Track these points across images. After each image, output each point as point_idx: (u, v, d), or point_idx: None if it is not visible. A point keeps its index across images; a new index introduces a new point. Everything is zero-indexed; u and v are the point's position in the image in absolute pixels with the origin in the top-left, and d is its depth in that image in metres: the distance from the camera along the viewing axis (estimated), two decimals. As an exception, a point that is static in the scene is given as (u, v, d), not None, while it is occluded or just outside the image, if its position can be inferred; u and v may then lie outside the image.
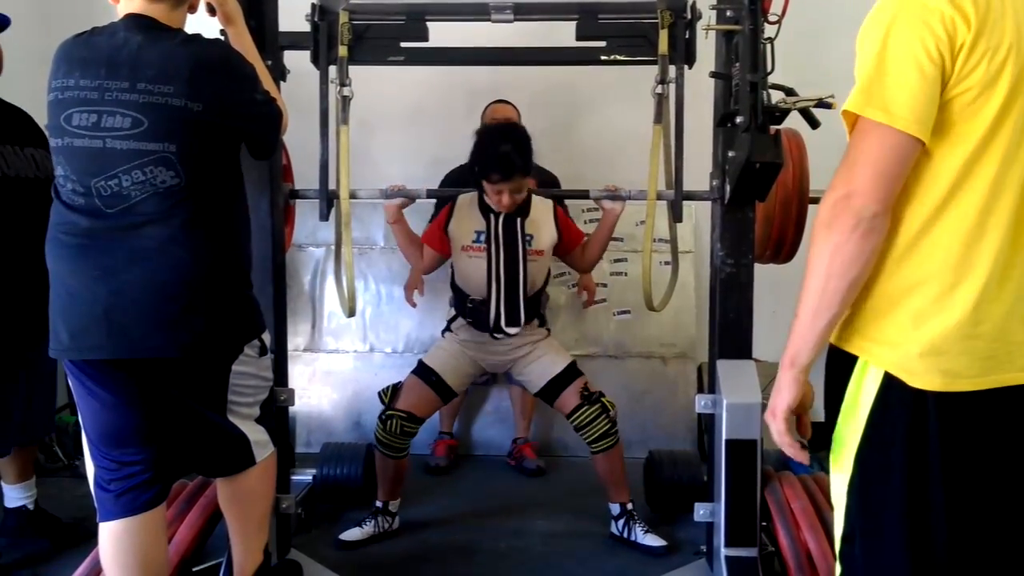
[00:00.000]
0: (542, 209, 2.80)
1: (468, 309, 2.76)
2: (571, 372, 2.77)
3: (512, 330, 2.67)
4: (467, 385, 2.93)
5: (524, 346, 2.81)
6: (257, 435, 1.97)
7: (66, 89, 1.69)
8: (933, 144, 1.21)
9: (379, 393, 2.80)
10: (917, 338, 1.24)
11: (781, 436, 1.34)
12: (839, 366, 1.34)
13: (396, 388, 2.78)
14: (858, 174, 1.20)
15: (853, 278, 1.23)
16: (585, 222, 3.57)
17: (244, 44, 1.96)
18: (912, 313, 1.25)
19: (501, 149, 2.56)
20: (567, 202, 3.29)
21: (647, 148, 2.51)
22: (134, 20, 1.74)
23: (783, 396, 1.33)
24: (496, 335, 2.70)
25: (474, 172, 2.65)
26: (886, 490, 1.28)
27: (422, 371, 2.79)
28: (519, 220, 2.69)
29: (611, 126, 3.92)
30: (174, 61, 1.68)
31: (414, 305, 3.57)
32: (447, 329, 2.91)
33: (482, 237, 2.70)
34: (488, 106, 3.59)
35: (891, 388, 1.26)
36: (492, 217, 2.68)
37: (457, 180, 3.38)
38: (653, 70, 2.46)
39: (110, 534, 1.78)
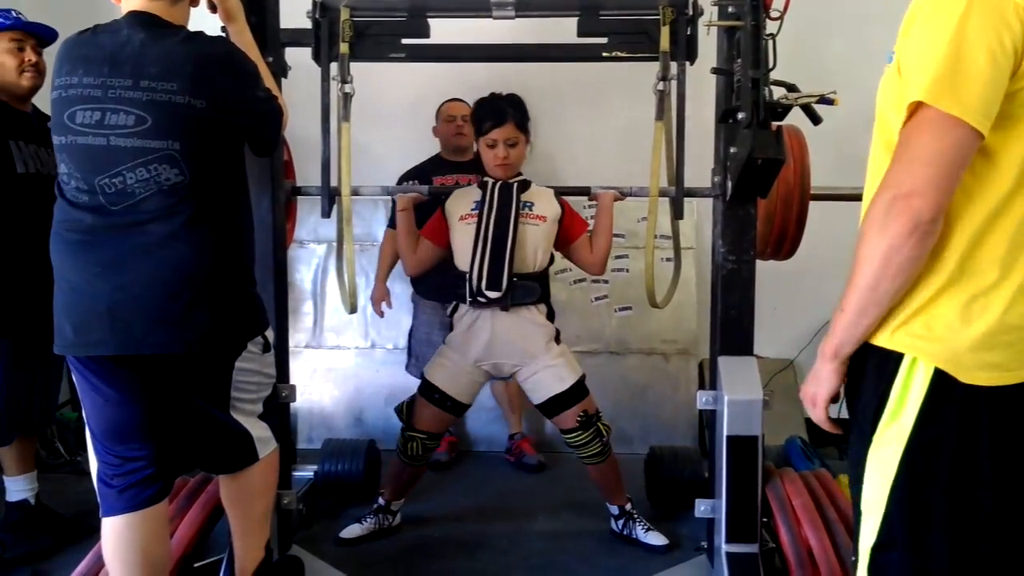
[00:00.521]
0: (542, 190, 2.73)
1: (466, 289, 2.61)
2: (575, 394, 2.64)
3: (492, 294, 2.53)
4: (475, 394, 2.81)
5: (530, 336, 2.64)
6: (260, 431, 1.97)
7: (69, 87, 1.69)
8: (994, 140, 1.18)
9: (395, 410, 2.80)
10: (968, 333, 1.22)
11: (823, 422, 1.40)
12: (876, 363, 1.31)
13: (411, 404, 2.75)
14: (919, 172, 1.17)
15: (904, 281, 1.23)
16: (588, 218, 3.57)
17: (245, 41, 1.96)
18: (960, 308, 1.23)
19: (496, 103, 2.65)
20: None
21: (649, 144, 2.51)
22: (136, 17, 1.74)
23: (825, 386, 1.36)
24: (479, 300, 2.56)
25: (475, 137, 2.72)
26: (936, 493, 1.25)
27: (426, 390, 2.71)
28: (515, 187, 2.64)
29: (613, 122, 3.92)
30: (177, 58, 1.68)
31: (382, 315, 3.59)
32: (450, 323, 2.78)
33: (478, 206, 2.64)
34: (443, 104, 3.62)
35: (941, 385, 1.23)
36: (489, 185, 2.65)
37: (413, 179, 3.42)
38: (655, 66, 2.46)
39: (113, 529, 1.79)
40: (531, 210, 2.66)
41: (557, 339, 2.71)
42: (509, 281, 2.54)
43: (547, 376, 2.65)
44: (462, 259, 2.65)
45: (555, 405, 2.65)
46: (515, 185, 2.65)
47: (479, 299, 2.57)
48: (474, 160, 3.57)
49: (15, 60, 2.51)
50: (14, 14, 2.55)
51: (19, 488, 2.72)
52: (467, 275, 2.59)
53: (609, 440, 2.70)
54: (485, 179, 2.71)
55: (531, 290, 2.63)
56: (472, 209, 2.65)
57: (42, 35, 2.58)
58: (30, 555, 2.63)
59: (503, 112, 2.61)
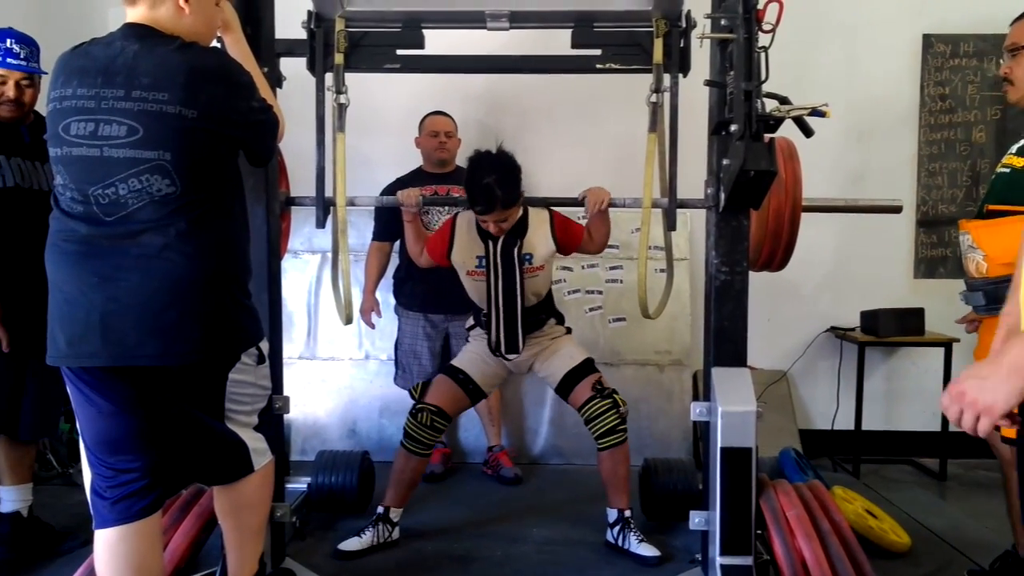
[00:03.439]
0: (538, 222, 2.80)
1: (483, 321, 2.85)
2: (587, 367, 2.84)
3: (512, 356, 2.79)
4: (496, 385, 3.03)
5: (543, 340, 2.89)
6: (255, 443, 1.96)
7: (64, 99, 1.69)
8: None
9: (409, 389, 2.94)
10: None
11: (987, 433, 1.22)
12: None
13: (426, 385, 2.89)
14: None
15: None
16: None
17: (241, 51, 1.97)
18: None
19: (484, 181, 2.58)
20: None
21: (642, 156, 2.51)
22: (132, 29, 1.74)
23: (1007, 400, 1.18)
24: (495, 355, 2.80)
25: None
26: None
27: (450, 370, 2.89)
28: (518, 242, 2.74)
29: (606, 134, 3.93)
30: (169, 68, 1.67)
31: (372, 326, 3.65)
32: (466, 338, 3.00)
33: (483, 262, 2.76)
34: (426, 117, 3.63)
35: None
36: (491, 243, 2.74)
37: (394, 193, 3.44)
38: (648, 78, 2.47)
39: (105, 541, 1.77)
40: (531, 263, 2.79)
41: (568, 333, 3.01)
42: (524, 339, 2.79)
43: (558, 359, 2.87)
44: (477, 300, 2.86)
45: (570, 380, 2.82)
46: (515, 242, 2.73)
47: (495, 355, 2.81)
48: (455, 172, 3.60)
49: None
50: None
51: (12, 499, 2.72)
52: (486, 326, 2.80)
53: (626, 419, 2.77)
54: (485, 226, 2.72)
55: (538, 323, 2.88)
56: (477, 266, 2.78)
57: (26, 72, 2.61)
58: (21, 566, 2.61)
59: (492, 199, 2.58)
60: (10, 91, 2.58)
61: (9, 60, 2.57)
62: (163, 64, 1.68)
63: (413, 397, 2.88)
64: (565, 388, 2.84)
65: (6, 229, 2.55)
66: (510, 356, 2.79)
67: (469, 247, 2.79)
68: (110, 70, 1.67)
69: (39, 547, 2.72)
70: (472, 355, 2.90)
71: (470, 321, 2.99)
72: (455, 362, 2.92)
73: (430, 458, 2.89)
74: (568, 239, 2.82)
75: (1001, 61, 2.43)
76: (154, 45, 1.71)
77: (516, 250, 2.73)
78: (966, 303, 2.43)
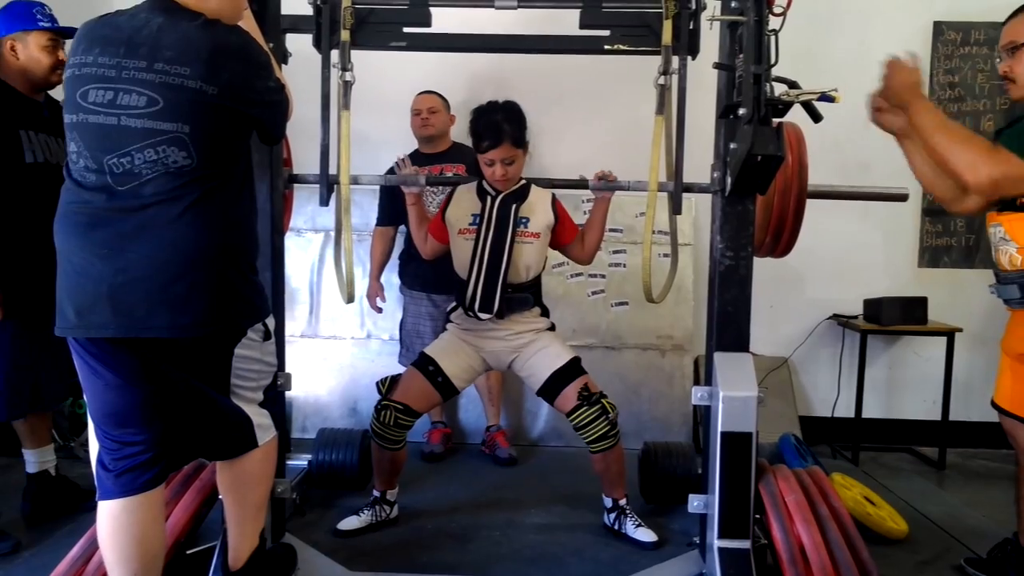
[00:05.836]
0: (540, 196, 2.79)
1: (460, 296, 2.74)
2: (573, 369, 2.70)
3: (484, 316, 2.65)
4: (470, 381, 2.85)
5: (524, 334, 2.76)
6: (260, 418, 1.97)
7: (84, 66, 1.70)
8: None
9: (377, 383, 2.77)
10: None
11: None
12: None
13: (395, 379, 2.76)
14: None
15: None
16: (584, 213, 3.58)
17: (250, 27, 1.96)
18: None
19: (492, 117, 2.63)
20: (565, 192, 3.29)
21: (648, 139, 2.50)
22: (157, 2, 1.76)
23: None
24: (468, 314, 2.68)
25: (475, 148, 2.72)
26: None
27: (422, 361, 2.76)
28: (515, 205, 2.70)
29: (613, 116, 3.91)
30: (193, 43, 1.69)
31: (379, 311, 3.67)
32: (447, 320, 2.89)
33: (477, 220, 2.71)
34: (415, 97, 3.67)
35: None
36: (489, 200, 2.71)
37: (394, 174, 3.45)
38: (656, 60, 2.45)
39: (108, 513, 1.78)
40: (526, 227, 2.73)
41: (551, 330, 2.83)
42: (501, 300, 2.65)
43: (541, 359, 2.74)
44: (460, 269, 2.74)
45: (554, 383, 2.69)
46: (513, 204, 2.69)
47: (468, 314, 2.70)
48: (450, 150, 3.60)
49: (51, 59, 2.65)
50: (48, 11, 2.66)
51: (36, 460, 2.82)
52: (464, 286, 2.67)
53: (616, 422, 2.67)
54: (484, 186, 2.73)
55: (523, 301, 2.75)
56: (471, 224, 2.72)
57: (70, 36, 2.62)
58: (42, 522, 2.73)
59: (499, 132, 2.60)
60: (63, 54, 2.62)
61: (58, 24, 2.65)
62: (186, 39, 1.69)
63: (380, 392, 2.71)
64: (549, 392, 2.70)
65: (32, 205, 2.52)
66: (483, 315, 2.64)
67: (466, 206, 2.75)
68: (134, 41, 1.69)
69: (65, 503, 2.84)
70: (448, 343, 2.78)
71: (452, 303, 2.86)
72: (428, 350, 2.77)
73: (404, 448, 2.77)
74: (564, 227, 2.80)
75: (997, 60, 2.40)
76: (179, 20, 1.72)
77: (514, 209, 2.69)
78: (998, 296, 2.40)
